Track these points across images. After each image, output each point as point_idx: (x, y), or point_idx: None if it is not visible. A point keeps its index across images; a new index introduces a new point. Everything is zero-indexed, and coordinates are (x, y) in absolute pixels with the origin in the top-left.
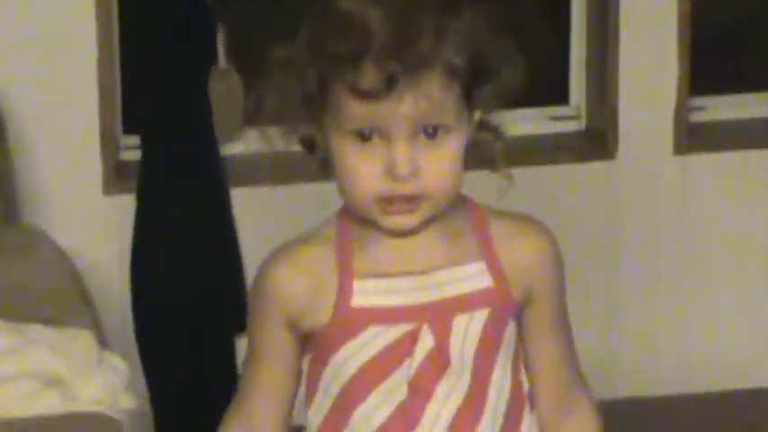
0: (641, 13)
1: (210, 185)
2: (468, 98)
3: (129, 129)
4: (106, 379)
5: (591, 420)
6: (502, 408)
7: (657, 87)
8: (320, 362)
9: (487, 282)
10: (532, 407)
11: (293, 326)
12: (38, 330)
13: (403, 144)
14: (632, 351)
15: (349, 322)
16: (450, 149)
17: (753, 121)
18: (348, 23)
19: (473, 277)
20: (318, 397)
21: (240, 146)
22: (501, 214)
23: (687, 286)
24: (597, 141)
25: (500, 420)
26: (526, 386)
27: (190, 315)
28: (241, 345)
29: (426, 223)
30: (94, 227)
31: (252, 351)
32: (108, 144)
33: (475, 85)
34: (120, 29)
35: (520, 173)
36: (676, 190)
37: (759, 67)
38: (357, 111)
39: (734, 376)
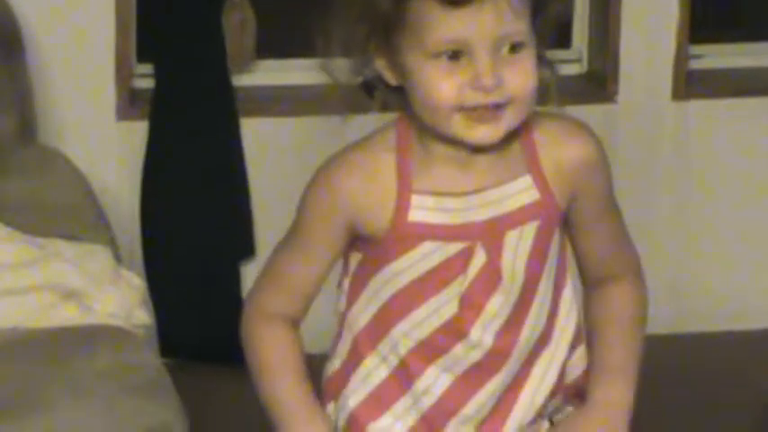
0: None
1: (221, 115)
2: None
3: (143, 57)
4: (122, 294)
5: (639, 287)
6: (545, 311)
7: (658, 33)
8: (372, 266)
9: (534, 196)
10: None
11: (352, 226)
12: (57, 244)
13: (487, 57)
14: None
15: (406, 235)
16: (528, 63)
17: (749, 69)
18: None
19: (520, 193)
20: (363, 300)
21: (251, 77)
22: (546, 117)
23: (682, 229)
24: (598, 85)
25: (542, 320)
26: (569, 282)
27: (197, 240)
28: (246, 271)
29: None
30: (107, 151)
31: (300, 244)
32: (123, 71)
33: (537, 11)
34: None
35: None
36: (673, 134)
37: (758, 16)
38: (443, 25)
39: (724, 317)
